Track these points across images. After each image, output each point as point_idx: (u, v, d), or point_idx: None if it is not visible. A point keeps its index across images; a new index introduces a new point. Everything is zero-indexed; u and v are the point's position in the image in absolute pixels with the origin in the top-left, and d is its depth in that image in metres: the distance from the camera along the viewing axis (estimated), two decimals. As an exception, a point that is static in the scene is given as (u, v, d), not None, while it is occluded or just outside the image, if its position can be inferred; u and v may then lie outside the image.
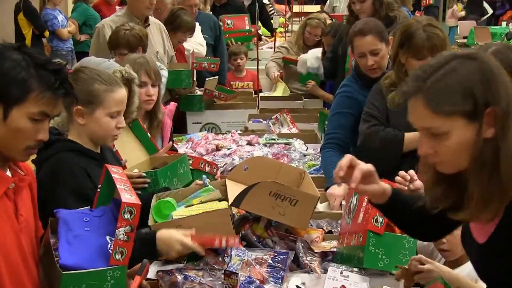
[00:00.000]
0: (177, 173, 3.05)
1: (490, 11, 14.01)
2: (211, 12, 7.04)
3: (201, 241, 2.34)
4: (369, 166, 1.85)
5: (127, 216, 1.85)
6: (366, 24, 3.54)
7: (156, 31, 4.84)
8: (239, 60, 6.56)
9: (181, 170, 3.09)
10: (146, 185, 2.94)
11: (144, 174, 2.94)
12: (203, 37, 5.78)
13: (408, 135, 3.15)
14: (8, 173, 1.88)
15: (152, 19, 4.84)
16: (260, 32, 9.07)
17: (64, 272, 1.82)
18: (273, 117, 4.82)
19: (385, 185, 1.92)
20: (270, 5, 10.62)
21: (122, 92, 2.53)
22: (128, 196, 1.90)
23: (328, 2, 7.36)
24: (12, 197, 1.86)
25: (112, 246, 1.87)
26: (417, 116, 1.64)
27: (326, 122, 3.87)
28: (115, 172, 2.07)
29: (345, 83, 3.79)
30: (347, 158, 1.83)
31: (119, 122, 2.50)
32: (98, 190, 2.15)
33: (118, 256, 1.86)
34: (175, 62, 5.06)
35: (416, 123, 1.66)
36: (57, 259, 1.86)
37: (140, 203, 1.90)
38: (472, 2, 14.00)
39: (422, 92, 1.61)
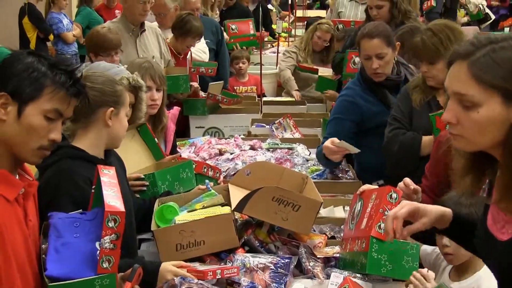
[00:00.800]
0: (178, 177, 3.04)
1: (492, 16, 14.06)
2: (218, 17, 7.03)
3: (195, 272, 2.34)
4: (409, 207, 1.85)
5: (111, 224, 1.82)
6: (375, 27, 3.59)
7: (152, 35, 4.85)
8: (240, 64, 6.52)
9: (184, 175, 3.08)
10: (145, 188, 2.94)
11: (143, 176, 2.94)
12: (206, 42, 5.79)
13: (425, 139, 3.17)
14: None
15: (147, 23, 4.86)
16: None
17: (50, 284, 1.81)
18: (276, 122, 4.81)
19: (440, 210, 1.90)
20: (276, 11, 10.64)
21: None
22: (112, 203, 1.86)
23: (329, 8, 7.38)
24: (21, 202, 1.87)
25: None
26: (455, 80, 1.62)
27: None
28: (105, 174, 2.04)
29: (349, 85, 3.82)
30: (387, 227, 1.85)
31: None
32: (92, 191, 2.12)
33: (105, 265, 1.83)
34: (172, 66, 5.04)
35: (451, 87, 1.63)
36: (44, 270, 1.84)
37: (124, 210, 1.85)
38: (449, 9, 14.26)
39: (471, 57, 1.59)
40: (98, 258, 1.83)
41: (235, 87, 6.43)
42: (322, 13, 11.06)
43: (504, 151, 1.60)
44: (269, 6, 10.24)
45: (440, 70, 3.10)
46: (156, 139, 3.25)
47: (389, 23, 4.24)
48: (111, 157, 2.57)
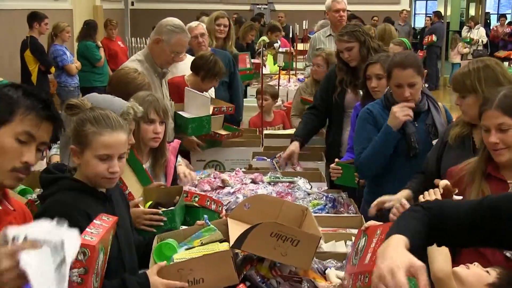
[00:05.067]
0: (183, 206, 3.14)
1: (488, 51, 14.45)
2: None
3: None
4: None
5: (80, 257, 1.79)
6: (406, 58, 3.64)
7: (164, 83, 4.75)
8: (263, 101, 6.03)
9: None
10: (162, 223, 2.96)
11: (161, 212, 2.97)
12: None
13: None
14: None
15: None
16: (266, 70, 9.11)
17: None
18: (277, 155, 4.79)
19: None
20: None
21: (114, 137, 2.41)
22: (87, 237, 1.84)
23: (309, 45, 7.37)
24: None
25: None
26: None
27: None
28: (102, 219, 2.04)
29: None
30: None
31: (110, 166, 2.40)
32: None
33: None
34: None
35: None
36: None
37: (94, 244, 1.83)
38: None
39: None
40: None
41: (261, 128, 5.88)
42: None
43: None
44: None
45: (470, 105, 3.04)
46: (143, 165, 3.27)
47: (362, 61, 4.33)
48: (113, 191, 2.54)
